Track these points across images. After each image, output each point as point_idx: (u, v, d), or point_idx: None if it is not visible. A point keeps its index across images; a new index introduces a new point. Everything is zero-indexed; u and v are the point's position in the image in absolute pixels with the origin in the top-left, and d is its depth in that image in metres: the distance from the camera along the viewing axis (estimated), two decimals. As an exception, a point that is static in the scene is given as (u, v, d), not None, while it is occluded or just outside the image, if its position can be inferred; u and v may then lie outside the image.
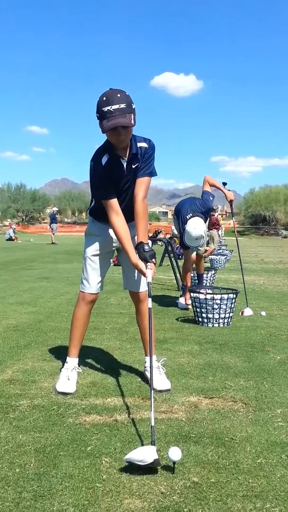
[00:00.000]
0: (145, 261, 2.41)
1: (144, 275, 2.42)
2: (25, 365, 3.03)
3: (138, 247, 2.44)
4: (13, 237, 26.59)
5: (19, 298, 5.80)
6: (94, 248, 2.69)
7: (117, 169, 2.46)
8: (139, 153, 2.46)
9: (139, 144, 2.47)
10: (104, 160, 2.44)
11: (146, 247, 2.42)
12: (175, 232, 13.69)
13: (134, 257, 2.43)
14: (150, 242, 2.62)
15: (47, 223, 36.79)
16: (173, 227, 13.99)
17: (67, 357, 2.73)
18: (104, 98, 2.27)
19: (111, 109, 2.24)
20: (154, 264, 2.46)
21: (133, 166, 2.47)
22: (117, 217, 2.46)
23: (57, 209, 30.81)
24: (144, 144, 2.48)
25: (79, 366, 2.75)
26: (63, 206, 70.85)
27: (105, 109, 2.25)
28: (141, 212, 2.50)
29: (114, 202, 2.47)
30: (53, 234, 23.55)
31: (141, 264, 2.41)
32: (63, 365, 2.78)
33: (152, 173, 2.55)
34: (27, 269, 9.78)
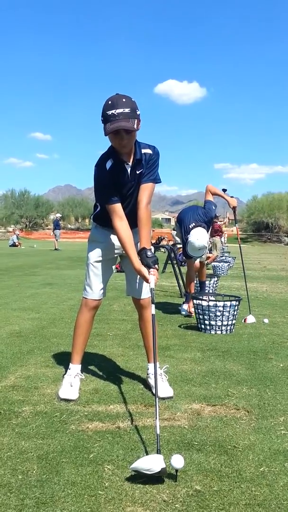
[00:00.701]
0: (148, 267, 2.42)
1: (147, 281, 2.43)
2: (28, 371, 3.03)
3: (141, 253, 2.45)
4: (17, 243, 26.66)
5: (22, 304, 5.80)
6: (97, 254, 2.70)
7: (121, 174, 2.47)
8: (143, 159, 2.48)
9: (143, 151, 2.48)
10: (108, 165, 2.46)
11: (149, 253, 2.43)
12: (177, 239, 13.74)
13: (137, 263, 2.44)
14: (152, 248, 2.63)
15: (50, 229, 36.87)
16: (174, 233, 14.01)
17: (70, 364, 2.73)
18: (110, 102, 2.31)
19: (115, 113, 2.28)
20: (157, 270, 2.47)
21: (137, 172, 2.49)
22: (120, 222, 2.47)
23: (60, 215, 30.89)
24: (148, 151, 2.50)
25: (82, 372, 2.75)
26: (67, 212, 71.03)
27: (109, 112, 2.29)
28: (144, 218, 2.50)
29: (118, 207, 2.48)
30: (57, 240, 23.60)
31: (144, 270, 2.42)
32: (66, 371, 2.78)
33: (156, 180, 2.56)
34: (31, 275, 9.80)
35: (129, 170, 2.47)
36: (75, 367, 2.71)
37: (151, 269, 2.42)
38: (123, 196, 2.52)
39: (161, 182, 2.60)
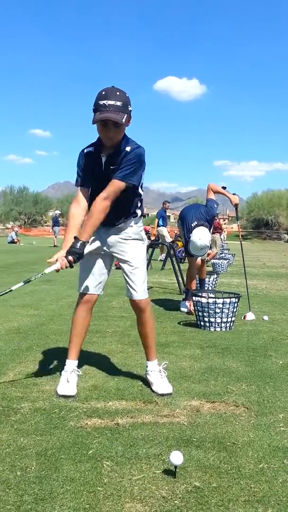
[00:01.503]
0: (67, 254, 2.40)
1: (53, 263, 2.42)
2: (27, 368, 3.03)
3: (74, 240, 2.43)
4: (16, 240, 26.63)
5: (21, 301, 5.80)
6: (86, 248, 2.66)
7: (96, 163, 2.50)
8: (121, 155, 2.44)
9: (126, 148, 2.45)
10: (87, 150, 2.53)
11: (77, 245, 2.40)
12: (165, 234, 13.70)
13: (64, 247, 2.44)
14: (94, 243, 2.63)
15: (49, 226, 36.86)
16: (161, 229, 13.94)
17: (66, 360, 2.73)
18: (103, 93, 2.34)
19: (106, 104, 2.30)
20: (69, 263, 2.40)
21: (111, 167, 2.47)
22: (75, 206, 2.54)
23: (59, 212, 30.86)
24: (128, 148, 2.45)
25: (79, 368, 2.74)
26: (66, 209, 70.90)
27: (101, 102, 2.31)
28: (93, 209, 2.44)
29: (83, 192, 2.54)
30: (55, 237, 23.58)
31: (59, 255, 2.42)
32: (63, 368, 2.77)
33: (125, 178, 2.43)
34: (29, 271, 9.78)
35: (103, 160, 2.48)
36: (71, 363, 2.70)
37: (64, 257, 2.40)
38: (95, 186, 2.51)
39: (133, 184, 2.48)
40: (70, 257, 2.39)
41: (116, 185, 2.43)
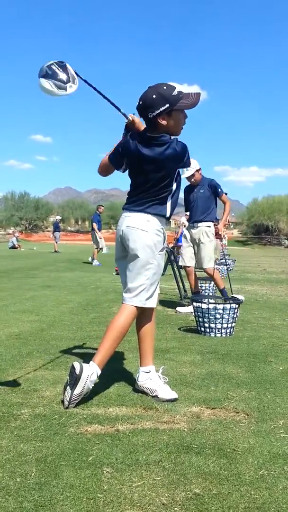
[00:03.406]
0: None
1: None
2: (27, 373, 3.02)
3: None
4: (16, 245, 26.67)
5: (21, 306, 5.80)
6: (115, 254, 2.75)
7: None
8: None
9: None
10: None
11: None
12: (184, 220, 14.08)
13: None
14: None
15: (50, 231, 36.90)
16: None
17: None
18: (165, 87, 2.44)
19: (182, 91, 2.45)
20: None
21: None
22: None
23: (60, 217, 30.91)
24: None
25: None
26: (66, 214, 71.10)
27: (177, 91, 2.44)
28: None
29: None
30: (56, 242, 23.60)
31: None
32: (65, 373, 2.77)
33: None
34: (30, 277, 9.79)
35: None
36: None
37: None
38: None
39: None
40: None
41: None
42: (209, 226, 5.60)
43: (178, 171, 2.61)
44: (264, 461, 1.91)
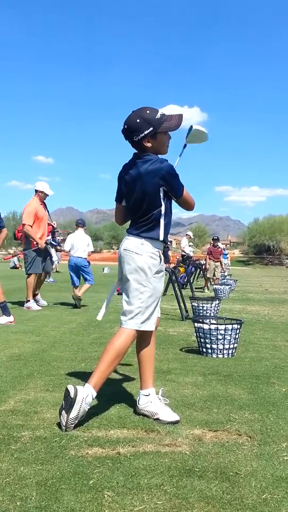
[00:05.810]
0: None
1: None
2: (28, 395, 3.00)
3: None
4: (18, 265, 26.68)
5: (22, 327, 5.78)
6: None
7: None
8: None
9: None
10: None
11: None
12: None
13: None
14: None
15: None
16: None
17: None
18: (148, 111, 2.50)
19: (164, 114, 2.51)
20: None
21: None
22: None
23: (62, 238, 31.01)
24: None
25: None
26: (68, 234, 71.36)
27: (159, 114, 2.50)
28: None
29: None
30: (57, 262, 23.61)
31: None
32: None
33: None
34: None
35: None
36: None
37: None
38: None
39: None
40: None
41: None
42: None
43: (169, 194, 2.60)
44: (267, 485, 1.89)
